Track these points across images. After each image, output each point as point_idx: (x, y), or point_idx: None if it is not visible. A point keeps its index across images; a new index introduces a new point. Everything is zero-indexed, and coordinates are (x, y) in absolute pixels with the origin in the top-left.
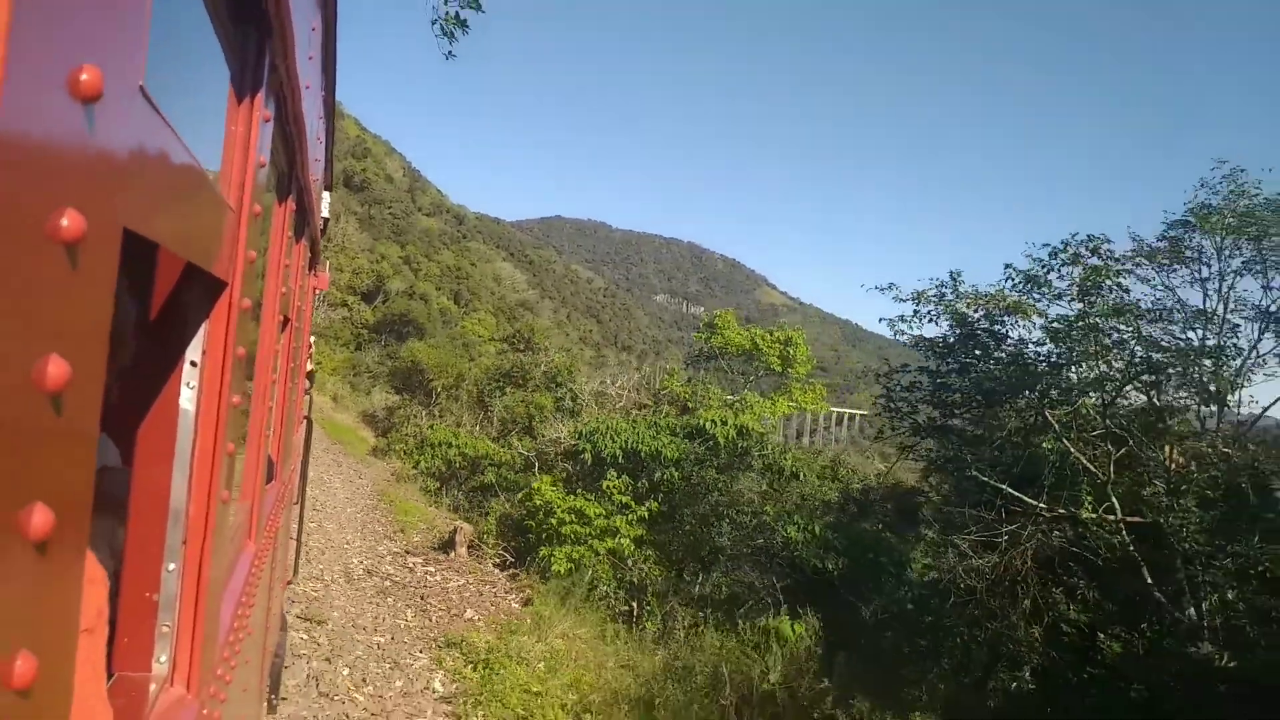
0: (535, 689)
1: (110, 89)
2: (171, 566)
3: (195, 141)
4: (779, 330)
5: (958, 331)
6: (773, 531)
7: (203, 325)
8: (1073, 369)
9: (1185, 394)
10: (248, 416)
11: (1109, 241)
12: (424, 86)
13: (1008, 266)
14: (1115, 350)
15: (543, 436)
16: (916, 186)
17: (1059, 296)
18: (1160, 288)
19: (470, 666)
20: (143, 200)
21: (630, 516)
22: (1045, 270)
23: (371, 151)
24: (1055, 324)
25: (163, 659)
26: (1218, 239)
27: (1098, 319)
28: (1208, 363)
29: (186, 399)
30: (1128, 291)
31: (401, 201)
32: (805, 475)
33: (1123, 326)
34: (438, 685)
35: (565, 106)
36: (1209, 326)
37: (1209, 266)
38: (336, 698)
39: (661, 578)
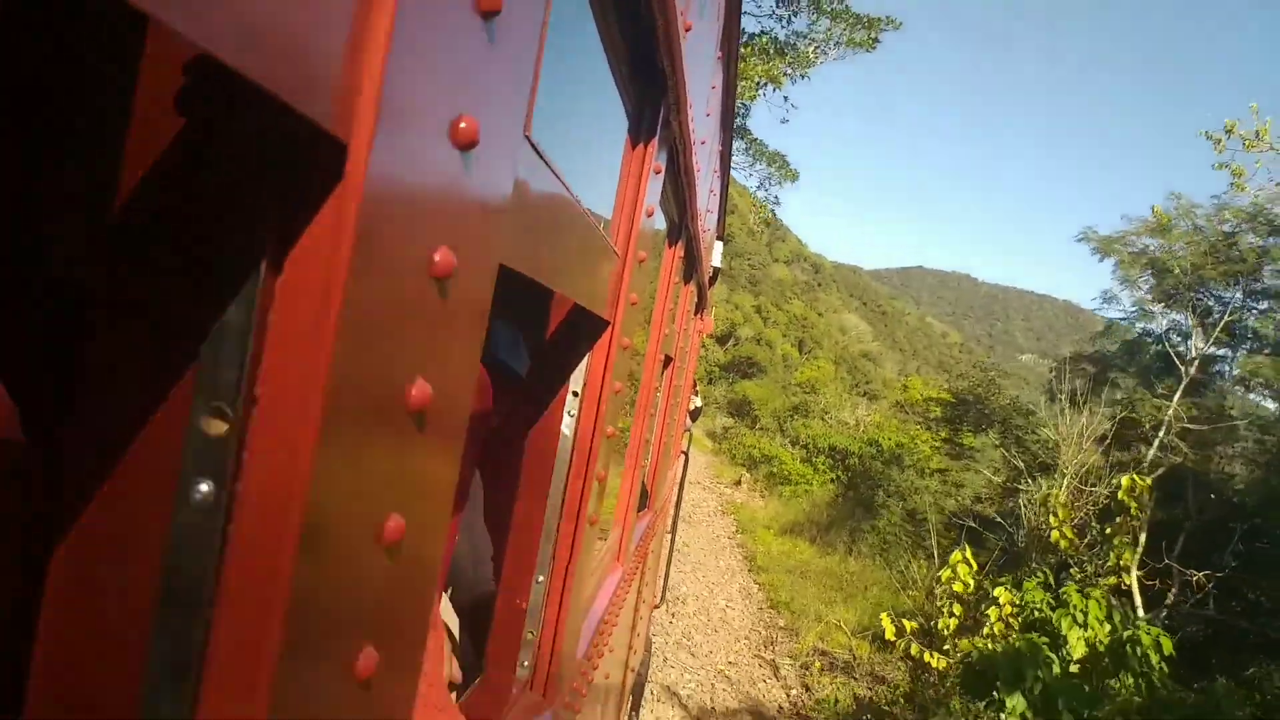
0: (754, 515)
1: (490, 137)
2: (540, 579)
3: (587, 190)
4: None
5: None
6: (911, 499)
7: (585, 359)
8: None
9: None
10: (623, 447)
11: None
12: (794, 139)
13: None
14: None
15: (807, 444)
16: None
17: None
18: None
19: (733, 506)
20: (522, 240)
21: (824, 477)
22: None
23: (737, 207)
24: None
25: (525, 664)
26: None
27: None
28: None
29: (567, 426)
30: None
31: (759, 254)
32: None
33: None
34: (717, 505)
35: (932, 153)
36: None
37: None
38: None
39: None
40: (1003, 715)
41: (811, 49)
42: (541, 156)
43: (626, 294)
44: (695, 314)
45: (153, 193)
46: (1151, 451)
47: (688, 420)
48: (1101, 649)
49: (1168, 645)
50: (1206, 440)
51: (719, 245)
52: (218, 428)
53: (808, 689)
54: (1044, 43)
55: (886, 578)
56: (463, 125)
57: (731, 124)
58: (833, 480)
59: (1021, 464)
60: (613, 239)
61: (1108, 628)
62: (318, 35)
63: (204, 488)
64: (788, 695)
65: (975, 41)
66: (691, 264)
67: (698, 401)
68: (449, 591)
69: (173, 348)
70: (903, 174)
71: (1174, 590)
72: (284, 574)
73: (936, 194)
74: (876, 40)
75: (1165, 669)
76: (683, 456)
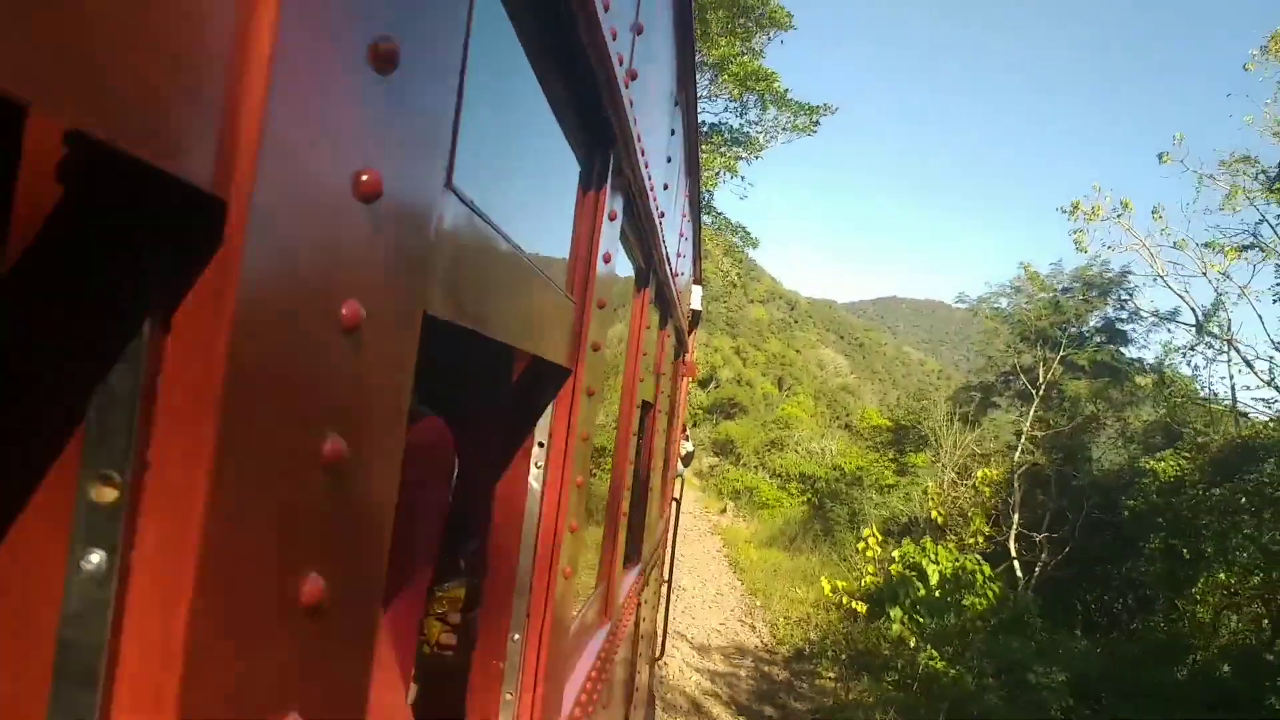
0: (738, 533)
1: (396, 188)
2: (516, 637)
3: (538, 239)
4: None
5: None
6: (868, 512)
7: (549, 409)
8: None
9: None
10: (597, 498)
11: None
12: (768, 186)
13: None
14: None
15: (781, 473)
16: None
17: None
18: None
19: (719, 529)
20: (452, 290)
21: (797, 500)
22: None
23: (710, 253)
24: None
25: None
26: None
27: None
28: None
29: (534, 478)
30: None
31: (735, 296)
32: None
33: None
34: (707, 528)
35: (893, 180)
36: None
37: None
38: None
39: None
40: (889, 622)
41: (762, 135)
42: (470, 206)
43: (587, 341)
44: (676, 358)
45: (34, 261)
46: (1017, 454)
47: (679, 466)
48: (948, 575)
49: (986, 569)
50: (1070, 443)
51: (697, 289)
52: (107, 495)
53: (774, 636)
54: (1000, 74)
55: (839, 569)
56: (364, 178)
57: (698, 168)
58: (804, 503)
59: (954, 474)
60: (569, 286)
61: (955, 565)
62: (190, 99)
63: (95, 558)
64: (760, 640)
65: (931, 83)
66: (665, 308)
67: (689, 446)
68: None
69: (59, 415)
70: (872, 206)
71: (1044, 554)
72: (180, 645)
73: (906, 223)
74: (817, 124)
75: (994, 589)
76: (674, 504)
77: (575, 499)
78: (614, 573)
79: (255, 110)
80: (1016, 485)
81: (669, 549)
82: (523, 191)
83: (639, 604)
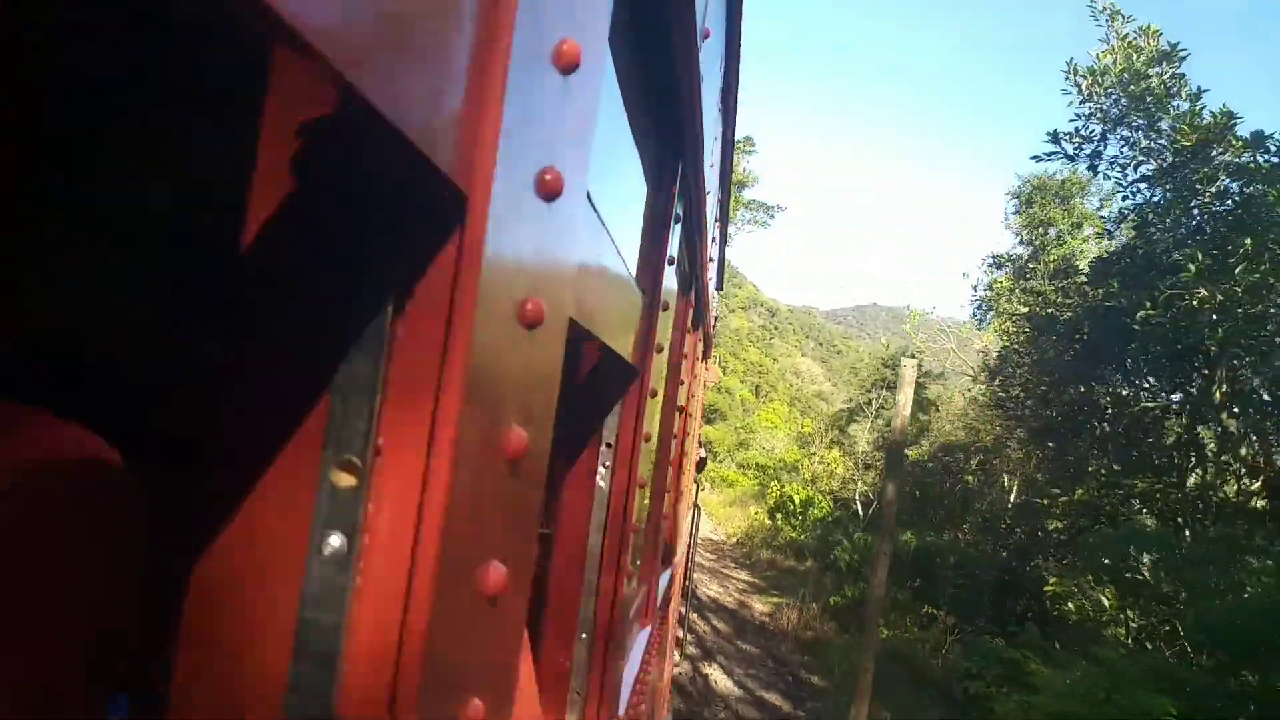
0: (709, 499)
1: (568, 188)
2: (583, 635)
3: (621, 239)
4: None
5: None
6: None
7: (616, 409)
8: None
9: None
10: (649, 500)
11: None
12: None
13: None
14: None
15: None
16: None
17: None
18: None
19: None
20: (582, 294)
21: (751, 480)
22: None
23: None
24: None
25: None
26: None
27: None
28: None
29: (601, 478)
30: None
31: (718, 306)
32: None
33: None
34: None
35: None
36: None
37: None
38: None
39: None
40: (776, 523)
41: (731, 229)
42: (596, 212)
43: (654, 342)
44: (701, 361)
45: (277, 246)
46: (861, 447)
47: (695, 472)
48: (804, 500)
49: (823, 499)
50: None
51: (716, 295)
52: (347, 480)
53: (726, 535)
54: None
55: (762, 509)
56: (548, 177)
57: (730, 177)
58: (755, 481)
59: (854, 462)
60: (641, 286)
61: (808, 494)
62: (443, 88)
63: (335, 541)
64: (717, 538)
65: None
66: (700, 313)
67: (701, 452)
68: None
69: (305, 401)
70: (852, 214)
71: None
72: (417, 628)
73: (889, 232)
74: (772, 217)
75: (827, 507)
76: (694, 509)
77: (639, 501)
78: (655, 575)
79: (496, 104)
80: (860, 466)
81: (689, 553)
82: (614, 192)
83: (670, 609)
